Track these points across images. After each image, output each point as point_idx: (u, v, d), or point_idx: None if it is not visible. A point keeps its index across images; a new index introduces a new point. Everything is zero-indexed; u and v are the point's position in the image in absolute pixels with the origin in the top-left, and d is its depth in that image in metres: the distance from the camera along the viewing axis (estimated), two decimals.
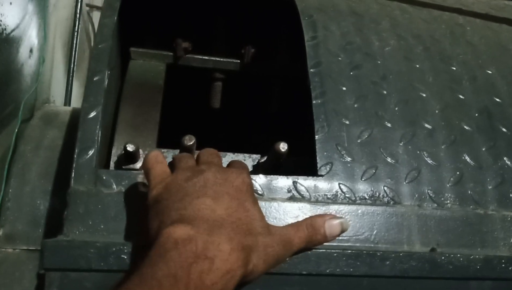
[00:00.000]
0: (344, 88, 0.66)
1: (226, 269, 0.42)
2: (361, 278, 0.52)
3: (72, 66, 1.17)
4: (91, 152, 0.54)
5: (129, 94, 0.77)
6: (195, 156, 0.57)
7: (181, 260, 0.41)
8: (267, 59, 0.90)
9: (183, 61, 0.87)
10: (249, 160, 0.68)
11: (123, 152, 0.61)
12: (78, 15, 1.21)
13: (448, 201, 0.60)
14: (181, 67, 0.87)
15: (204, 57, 0.88)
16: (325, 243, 0.52)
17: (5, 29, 0.75)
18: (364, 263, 0.52)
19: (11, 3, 0.76)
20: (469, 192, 0.61)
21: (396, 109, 0.66)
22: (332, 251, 0.52)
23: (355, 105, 0.65)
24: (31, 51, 0.85)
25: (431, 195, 0.60)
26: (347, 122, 0.63)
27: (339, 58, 0.69)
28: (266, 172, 0.60)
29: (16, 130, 0.77)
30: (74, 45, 1.19)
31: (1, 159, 0.73)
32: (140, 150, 0.63)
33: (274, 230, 0.49)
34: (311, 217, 0.54)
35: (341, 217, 0.54)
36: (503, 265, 0.54)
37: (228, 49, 0.91)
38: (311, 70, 0.66)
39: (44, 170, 0.74)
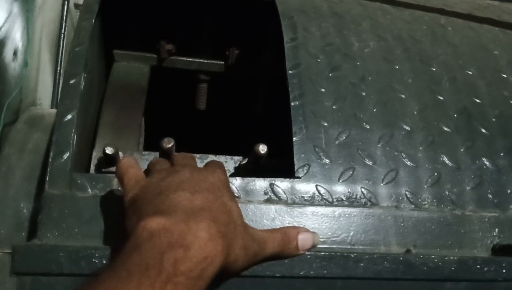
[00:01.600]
0: (322, 90, 0.66)
1: (203, 255, 0.41)
2: (335, 280, 0.52)
3: (59, 68, 1.18)
4: (66, 156, 0.54)
5: (112, 97, 0.77)
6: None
7: (154, 250, 0.40)
8: (252, 59, 0.90)
9: (167, 63, 0.87)
10: (231, 162, 0.68)
11: (102, 155, 0.61)
12: (64, 17, 1.21)
13: (426, 202, 0.60)
14: (165, 69, 0.87)
15: (188, 59, 0.88)
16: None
17: None
18: (338, 265, 0.52)
19: None
20: (447, 193, 0.61)
21: (375, 110, 0.65)
22: (306, 253, 0.52)
23: (334, 107, 0.65)
24: (15, 54, 0.84)
25: (408, 196, 0.60)
26: (325, 124, 0.63)
27: (318, 60, 0.69)
28: (246, 174, 0.60)
29: None
30: (61, 47, 1.19)
31: None
32: (120, 153, 0.63)
33: (250, 228, 0.49)
34: (285, 227, 0.54)
35: (313, 232, 0.54)
36: (478, 266, 0.54)
37: (212, 51, 0.91)
38: (290, 71, 0.66)
39: (28, 173, 0.74)
